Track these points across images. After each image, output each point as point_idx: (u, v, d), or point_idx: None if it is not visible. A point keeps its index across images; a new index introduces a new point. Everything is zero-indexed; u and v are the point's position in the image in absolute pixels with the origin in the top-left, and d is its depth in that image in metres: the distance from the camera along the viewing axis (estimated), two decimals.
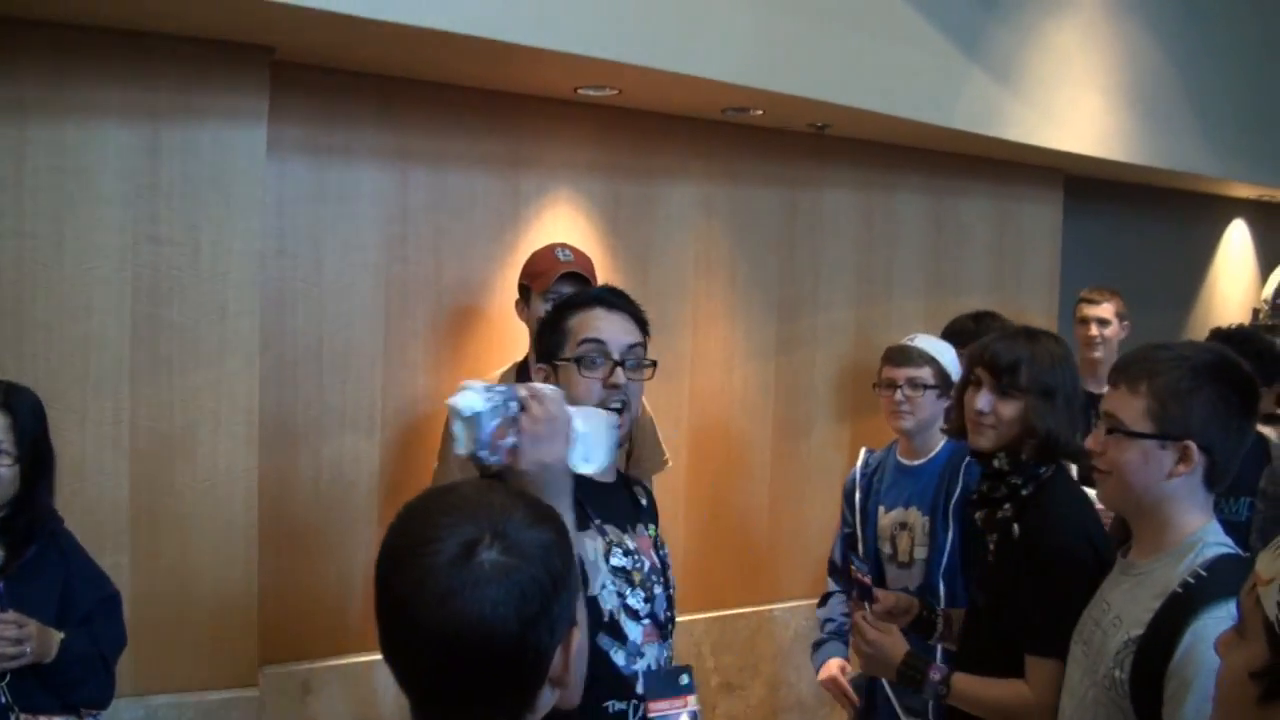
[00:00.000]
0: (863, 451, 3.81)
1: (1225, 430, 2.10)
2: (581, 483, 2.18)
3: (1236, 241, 8.01)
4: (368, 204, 3.82)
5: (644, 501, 2.49)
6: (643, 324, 2.39)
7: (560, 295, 3.33)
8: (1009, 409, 2.65)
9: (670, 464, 3.89)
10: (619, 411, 2.25)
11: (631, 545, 2.31)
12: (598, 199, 4.30)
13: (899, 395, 3.62)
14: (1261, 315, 7.86)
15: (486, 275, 4.04)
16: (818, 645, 3.73)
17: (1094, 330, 5.05)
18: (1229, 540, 2.12)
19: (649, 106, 4.30)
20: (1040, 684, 2.39)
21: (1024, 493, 2.62)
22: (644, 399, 3.69)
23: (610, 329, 2.32)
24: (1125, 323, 5.10)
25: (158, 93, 3.28)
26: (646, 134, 4.40)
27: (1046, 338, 2.75)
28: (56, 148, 3.17)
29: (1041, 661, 2.40)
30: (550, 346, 2.34)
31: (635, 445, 3.68)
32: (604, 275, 4.15)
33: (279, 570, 3.65)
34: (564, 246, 3.69)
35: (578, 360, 2.27)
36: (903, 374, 3.62)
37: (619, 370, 2.29)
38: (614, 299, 2.39)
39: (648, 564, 2.33)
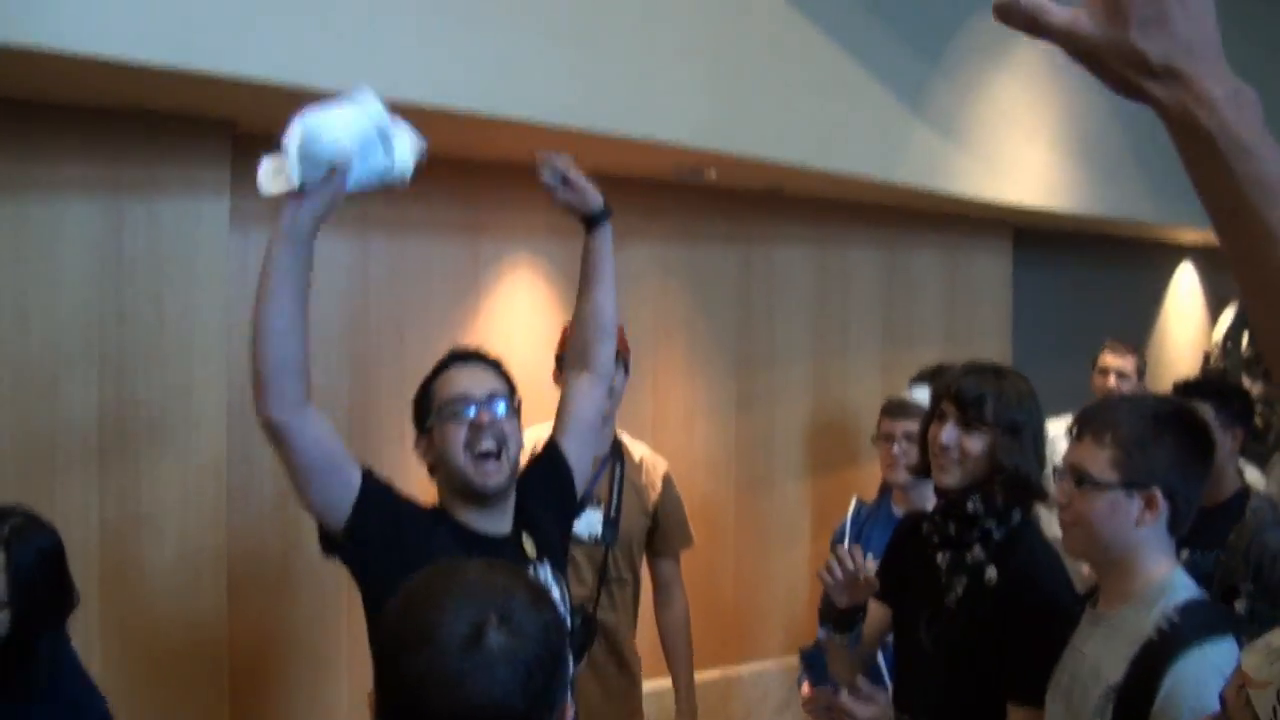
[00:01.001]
0: (853, 500, 3.85)
1: (1186, 476, 2.15)
2: (467, 538, 2.41)
3: (1185, 286, 8.17)
4: (329, 273, 3.84)
5: (530, 549, 2.57)
6: (501, 372, 2.60)
7: None
8: (975, 444, 2.59)
9: (694, 542, 3.93)
10: (494, 455, 2.46)
11: None
12: (557, 261, 4.35)
13: (896, 449, 3.66)
14: (1212, 358, 8.02)
15: (448, 341, 4.04)
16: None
17: (1113, 381, 5.05)
18: (1194, 585, 2.16)
19: (605, 170, 4.34)
20: None
21: (995, 537, 2.58)
22: (669, 477, 3.75)
23: (466, 381, 2.52)
24: (1143, 381, 5.14)
25: (120, 167, 3.29)
26: (604, 197, 4.45)
27: (1014, 375, 2.71)
28: (20, 223, 3.16)
29: (1029, 711, 2.38)
30: (421, 416, 2.57)
31: (661, 522, 3.73)
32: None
33: (249, 646, 3.63)
34: None
35: (441, 416, 2.48)
36: (900, 427, 3.65)
37: (482, 412, 2.46)
38: (465, 355, 2.62)
39: None
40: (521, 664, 1.33)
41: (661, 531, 3.74)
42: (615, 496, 3.60)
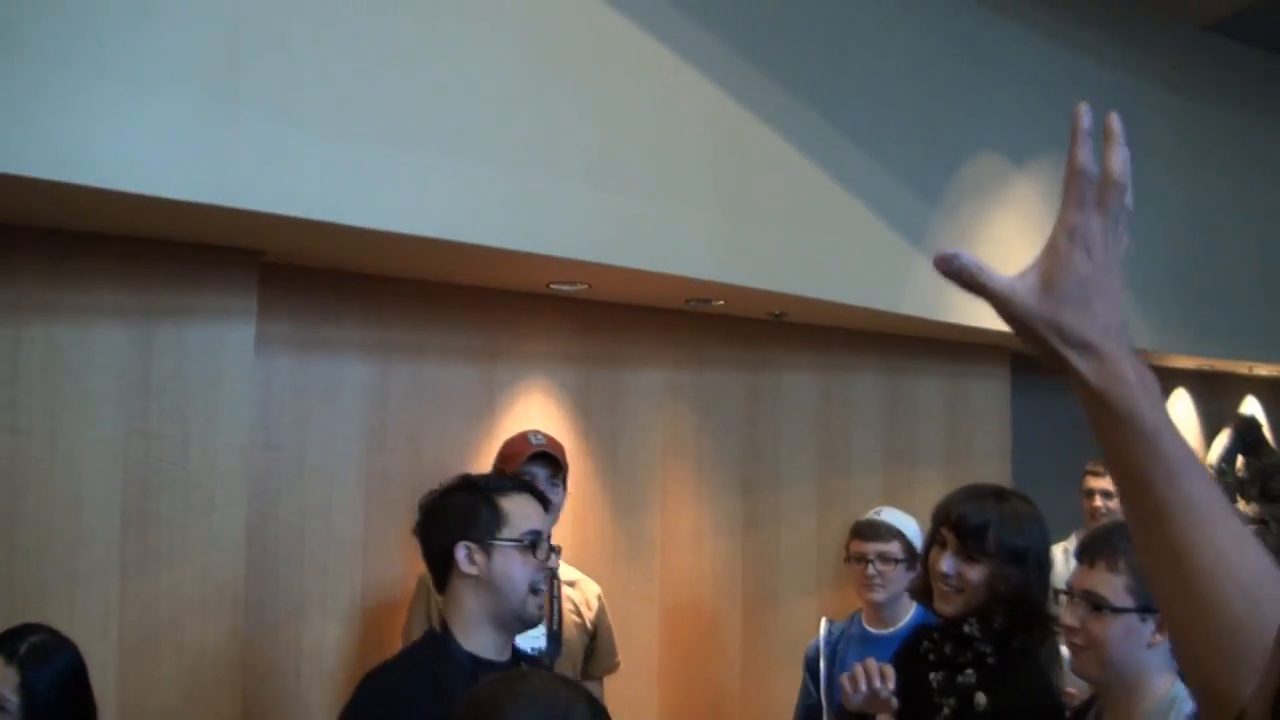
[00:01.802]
0: (823, 622, 3.88)
1: None
2: (477, 661, 2.43)
3: (1180, 410, 8.27)
4: (350, 396, 3.96)
5: None
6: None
7: (531, 475, 3.49)
8: (975, 573, 2.54)
9: (620, 666, 3.96)
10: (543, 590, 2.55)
11: None
12: (569, 386, 4.47)
13: (871, 570, 3.73)
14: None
15: (463, 461, 4.15)
16: None
17: (1099, 502, 5.14)
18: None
19: (617, 299, 4.50)
20: None
21: (990, 661, 2.53)
22: (601, 598, 3.83)
23: (539, 516, 2.59)
24: None
25: (150, 294, 3.40)
26: (615, 324, 4.60)
27: (1016, 498, 2.65)
28: (51, 347, 3.26)
29: None
30: (487, 524, 2.53)
31: (596, 642, 3.80)
32: (575, 458, 4.30)
33: None
34: (537, 432, 3.86)
35: (521, 545, 2.51)
36: (873, 549, 3.73)
37: (553, 555, 2.58)
38: (536, 491, 2.67)
39: None
40: None
41: (596, 652, 3.80)
42: (555, 611, 3.67)
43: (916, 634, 2.90)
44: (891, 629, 3.65)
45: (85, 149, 2.66)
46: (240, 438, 3.52)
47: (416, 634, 3.51)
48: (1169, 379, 8.13)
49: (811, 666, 3.80)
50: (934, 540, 2.66)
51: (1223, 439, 8.28)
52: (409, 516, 3.99)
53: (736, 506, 5.00)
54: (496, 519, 2.53)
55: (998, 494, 2.67)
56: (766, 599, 5.09)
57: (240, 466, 3.52)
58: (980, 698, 2.52)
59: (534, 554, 2.51)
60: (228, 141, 2.88)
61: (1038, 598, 2.56)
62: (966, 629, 2.58)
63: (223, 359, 3.51)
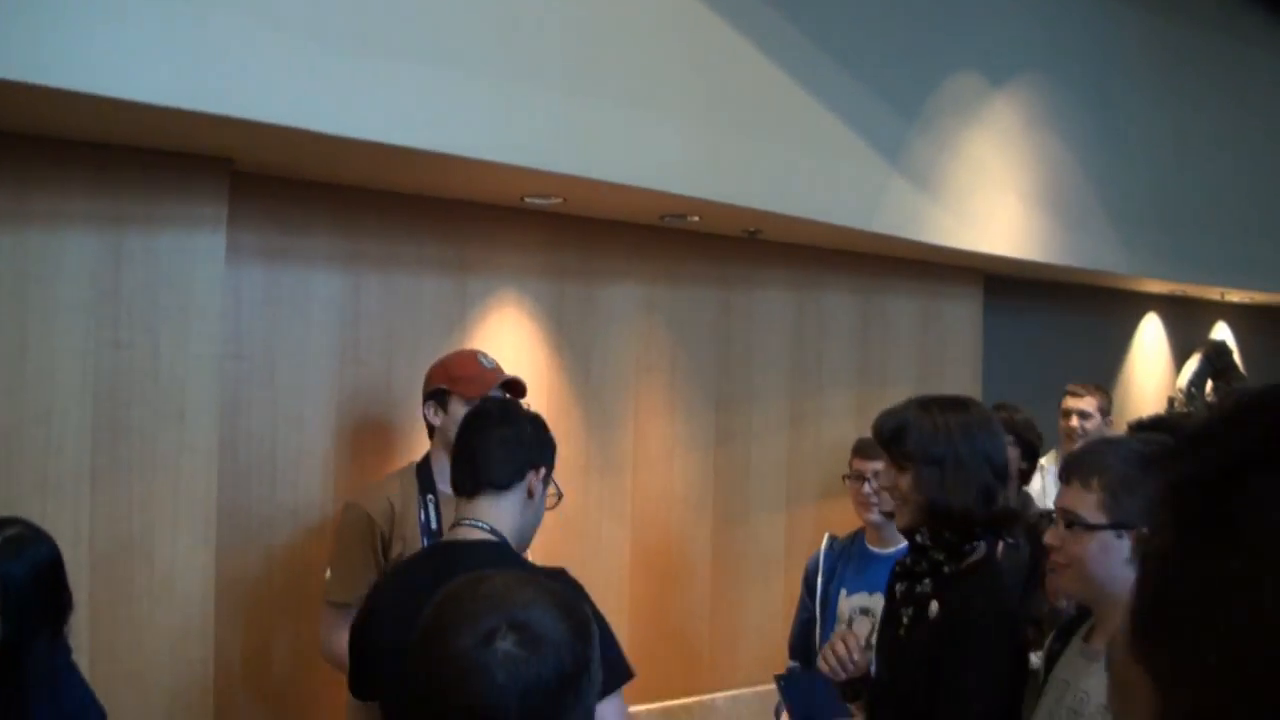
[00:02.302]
0: (826, 536, 3.86)
1: None
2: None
3: (1150, 334, 8.32)
4: (321, 308, 3.94)
5: None
6: None
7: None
8: (905, 480, 2.53)
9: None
10: None
11: None
12: (543, 300, 4.46)
13: (867, 488, 3.72)
14: (1176, 403, 8.17)
15: None
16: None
17: (1075, 422, 5.23)
18: None
19: (592, 214, 4.48)
20: None
21: (946, 570, 2.51)
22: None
23: None
24: (1109, 418, 5.28)
25: (120, 201, 3.36)
26: (590, 239, 4.58)
27: (944, 405, 2.59)
28: (20, 254, 3.22)
29: None
30: (545, 451, 2.69)
31: None
32: (548, 373, 4.31)
33: (236, 670, 3.71)
34: (482, 353, 3.68)
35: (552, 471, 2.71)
36: (870, 466, 3.68)
37: None
38: None
39: None
40: (521, 677, 1.38)
41: None
42: None
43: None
44: (893, 548, 3.55)
45: (52, 51, 2.61)
46: (211, 348, 3.50)
47: (360, 574, 3.38)
48: (1141, 303, 8.17)
49: (809, 581, 3.78)
50: None
51: (1193, 364, 8.34)
52: (381, 430, 4.04)
53: (709, 422, 5.02)
54: (550, 445, 2.73)
55: (921, 403, 2.62)
56: (737, 514, 5.13)
57: (211, 377, 3.50)
58: (934, 606, 2.51)
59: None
60: (198, 45, 2.83)
61: (961, 503, 2.49)
62: (918, 539, 2.57)
63: (193, 268, 3.48)
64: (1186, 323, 8.62)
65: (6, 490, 3.11)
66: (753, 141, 4.24)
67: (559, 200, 4.14)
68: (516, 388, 3.59)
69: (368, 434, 4.03)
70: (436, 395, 3.57)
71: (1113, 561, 2.19)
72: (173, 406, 3.43)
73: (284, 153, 3.48)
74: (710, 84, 4.08)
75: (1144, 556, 0.54)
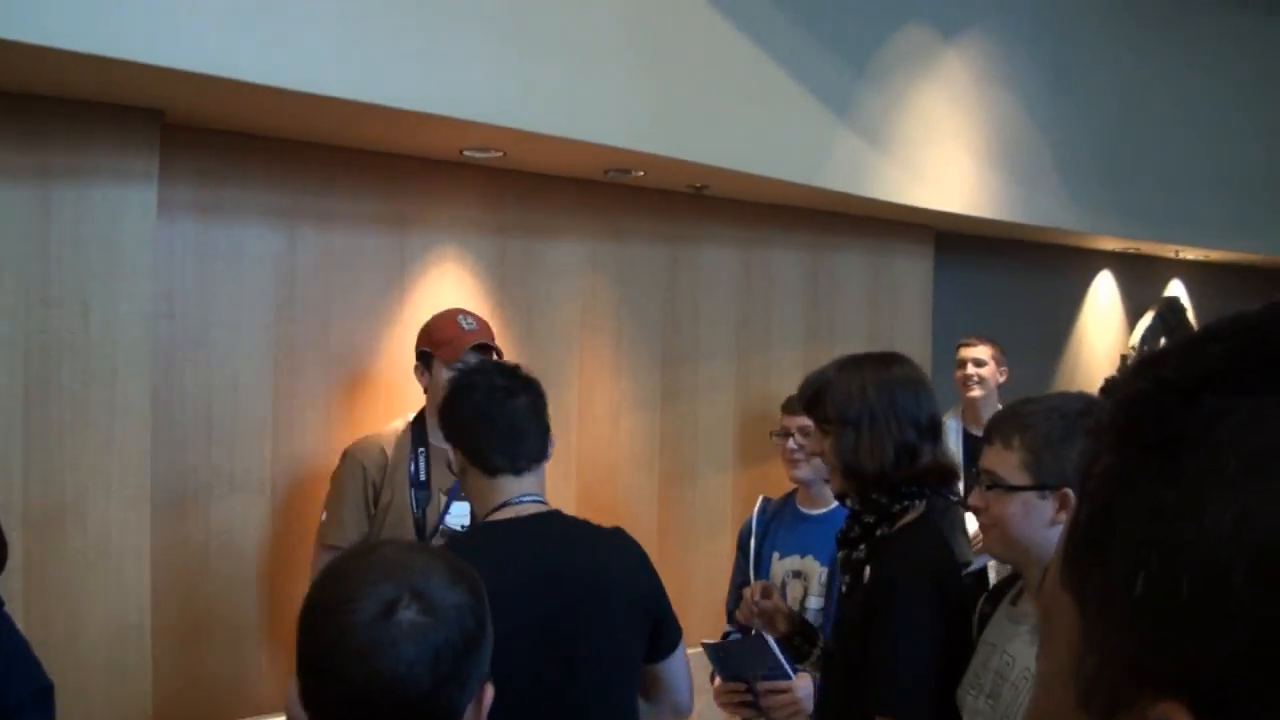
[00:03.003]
0: (759, 499, 3.83)
1: None
2: None
3: (1103, 292, 8.35)
4: (256, 264, 3.87)
5: None
6: None
7: (466, 365, 3.43)
8: (828, 445, 2.51)
9: None
10: None
11: None
12: (484, 256, 4.40)
13: (792, 443, 3.68)
14: (1129, 361, 8.21)
15: (374, 333, 4.10)
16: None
17: (970, 370, 5.28)
18: None
19: (534, 168, 4.42)
20: None
21: (879, 533, 2.47)
22: None
23: None
24: (1003, 368, 5.32)
25: (48, 154, 3.28)
26: (532, 194, 4.52)
27: (866, 363, 2.57)
28: None
29: None
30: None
31: None
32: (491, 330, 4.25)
33: (172, 633, 3.65)
34: (465, 314, 3.75)
35: None
36: (795, 423, 3.66)
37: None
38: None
39: None
40: (430, 644, 1.38)
41: None
42: None
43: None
44: (824, 509, 3.54)
45: None
46: (142, 306, 3.43)
47: (353, 518, 3.62)
48: (1094, 260, 8.20)
49: (743, 545, 3.75)
50: None
51: (1146, 321, 8.39)
52: (319, 389, 3.98)
53: (655, 380, 4.99)
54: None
55: (840, 364, 2.58)
56: (684, 473, 5.11)
57: (143, 336, 3.43)
58: (867, 571, 2.49)
59: None
60: None
61: (873, 465, 2.47)
62: (848, 501, 2.56)
63: (123, 223, 3.40)
64: (1140, 280, 8.65)
65: None
66: (698, 95, 4.19)
67: (499, 154, 4.07)
68: (488, 350, 3.60)
69: (305, 393, 3.96)
70: (421, 357, 3.73)
71: (1035, 522, 2.16)
72: (104, 365, 3.36)
73: (214, 104, 3.40)
74: (654, 35, 4.01)
75: (1084, 478, 0.51)
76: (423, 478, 3.64)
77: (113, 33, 2.74)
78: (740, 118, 4.36)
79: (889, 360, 2.60)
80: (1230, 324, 0.49)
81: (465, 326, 3.66)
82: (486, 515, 2.51)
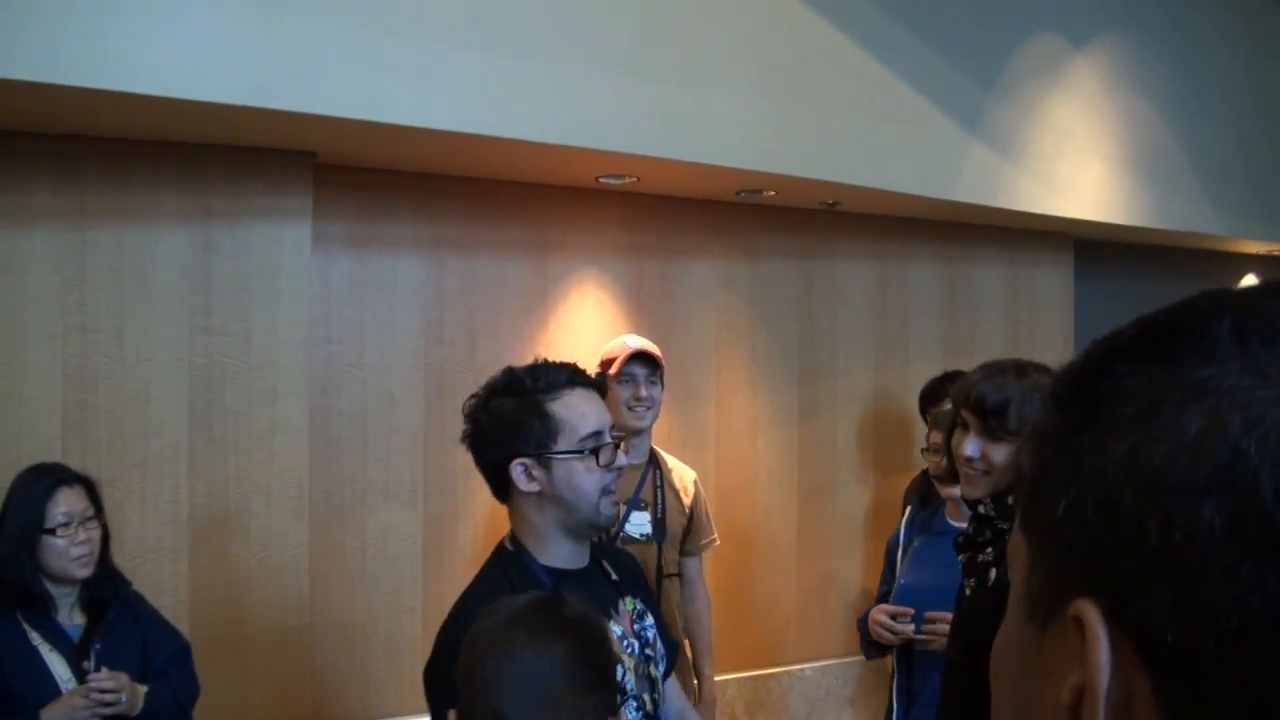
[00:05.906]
0: (908, 509, 3.88)
1: None
2: (555, 574, 2.23)
3: None
4: (406, 292, 4.07)
5: (614, 575, 2.39)
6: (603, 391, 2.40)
7: (632, 375, 3.74)
8: (999, 453, 2.41)
9: (718, 542, 4.13)
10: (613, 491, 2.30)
11: (618, 630, 2.25)
12: (621, 278, 4.54)
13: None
14: None
15: (519, 353, 4.23)
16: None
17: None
18: None
19: (667, 192, 4.53)
20: None
21: (1008, 538, 2.43)
22: (698, 483, 3.98)
23: (600, 416, 2.29)
24: None
25: (209, 197, 3.54)
26: (666, 216, 4.64)
27: (1036, 371, 2.48)
28: (116, 249, 3.43)
29: None
30: (540, 436, 2.24)
31: (693, 522, 3.97)
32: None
33: (330, 637, 3.86)
34: (632, 335, 4.04)
35: (583, 454, 2.24)
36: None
37: (618, 452, 2.29)
38: (586, 380, 2.33)
39: (636, 644, 2.33)
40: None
41: (693, 531, 3.98)
42: (659, 499, 3.86)
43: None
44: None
45: (143, 58, 2.77)
46: (299, 332, 3.65)
47: None
48: (1239, 263, 8.00)
49: (890, 556, 3.78)
50: (955, 423, 2.53)
51: None
52: None
53: (792, 396, 5.05)
54: (549, 428, 2.23)
55: (1017, 368, 2.49)
56: (822, 487, 5.15)
57: (300, 359, 3.65)
58: (993, 574, 2.44)
59: (598, 459, 2.25)
60: (270, 45, 2.97)
61: None
62: (982, 509, 2.50)
63: (280, 257, 3.63)
64: None
65: (111, 469, 3.29)
66: (825, 114, 4.25)
67: (633, 180, 4.19)
68: (647, 356, 3.92)
69: (454, 410, 4.10)
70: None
71: None
72: (265, 387, 3.59)
73: (362, 144, 3.59)
74: (779, 57, 4.10)
75: (1028, 438, 0.62)
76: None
77: (261, 85, 2.96)
78: (869, 134, 4.41)
79: (1040, 367, 2.52)
80: (1152, 312, 0.60)
81: (630, 344, 3.92)
82: None
